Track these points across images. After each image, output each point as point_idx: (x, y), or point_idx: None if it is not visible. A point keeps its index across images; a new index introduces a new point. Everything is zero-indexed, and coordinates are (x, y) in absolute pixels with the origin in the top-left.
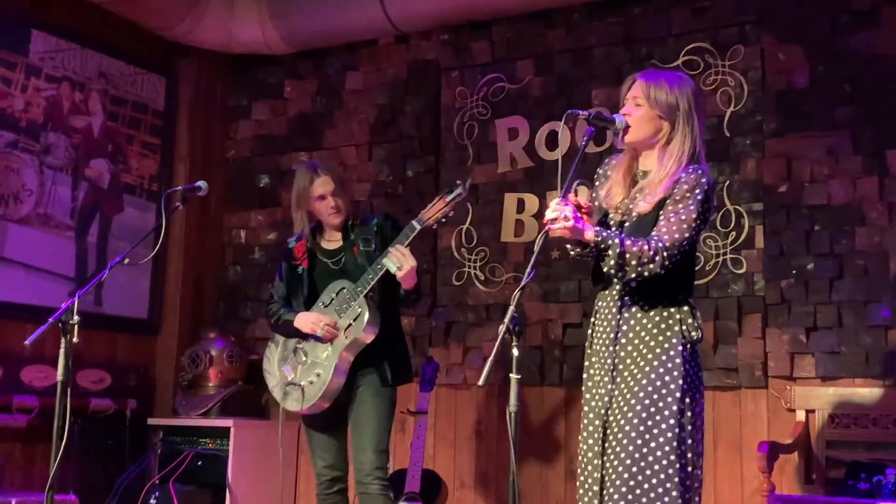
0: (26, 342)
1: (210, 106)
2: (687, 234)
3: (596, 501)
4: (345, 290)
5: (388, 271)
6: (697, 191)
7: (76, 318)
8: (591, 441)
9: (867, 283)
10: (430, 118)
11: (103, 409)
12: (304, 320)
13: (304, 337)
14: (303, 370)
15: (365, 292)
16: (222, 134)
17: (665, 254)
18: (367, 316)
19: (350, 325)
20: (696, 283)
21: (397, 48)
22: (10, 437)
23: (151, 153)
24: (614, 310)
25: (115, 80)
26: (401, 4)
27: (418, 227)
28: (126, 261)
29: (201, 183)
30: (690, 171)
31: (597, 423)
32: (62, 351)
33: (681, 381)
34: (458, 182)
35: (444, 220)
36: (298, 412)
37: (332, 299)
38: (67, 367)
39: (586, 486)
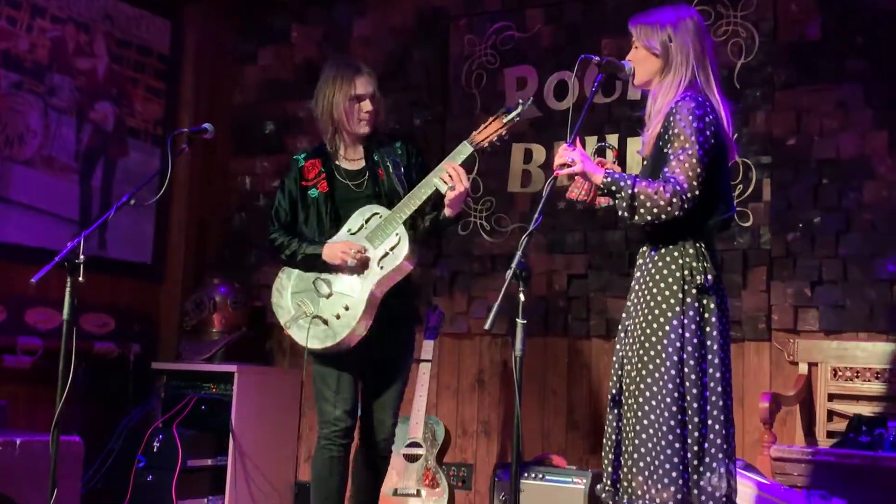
0: (33, 279)
1: (216, 51)
2: (699, 169)
3: (612, 456)
4: (378, 216)
5: (432, 196)
6: (691, 118)
7: (82, 257)
8: (610, 399)
9: (874, 238)
10: (438, 66)
11: (107, 352)
12: (333, 251)
13: (320, 265)
14: (326, 303)
15: (405, 219)
16: (228, 79)
17: (686, 196)
18: (407, 244)
19: (386, 254)
20: None
21: None
22: (15, 378)
23: (156, 97)
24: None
25: (121, 22)
26: None
27: (471, 149)
28: (132, 202)
29: (207, 125)
30: (680, 100)
31: (614, 378)
32: (67, 290)
33: (681, 331)
34: (520, 101)
35: (498, 142)
36: (323, 349)
37: (362, 226)
38: (73, 305)
39: (606, 443)
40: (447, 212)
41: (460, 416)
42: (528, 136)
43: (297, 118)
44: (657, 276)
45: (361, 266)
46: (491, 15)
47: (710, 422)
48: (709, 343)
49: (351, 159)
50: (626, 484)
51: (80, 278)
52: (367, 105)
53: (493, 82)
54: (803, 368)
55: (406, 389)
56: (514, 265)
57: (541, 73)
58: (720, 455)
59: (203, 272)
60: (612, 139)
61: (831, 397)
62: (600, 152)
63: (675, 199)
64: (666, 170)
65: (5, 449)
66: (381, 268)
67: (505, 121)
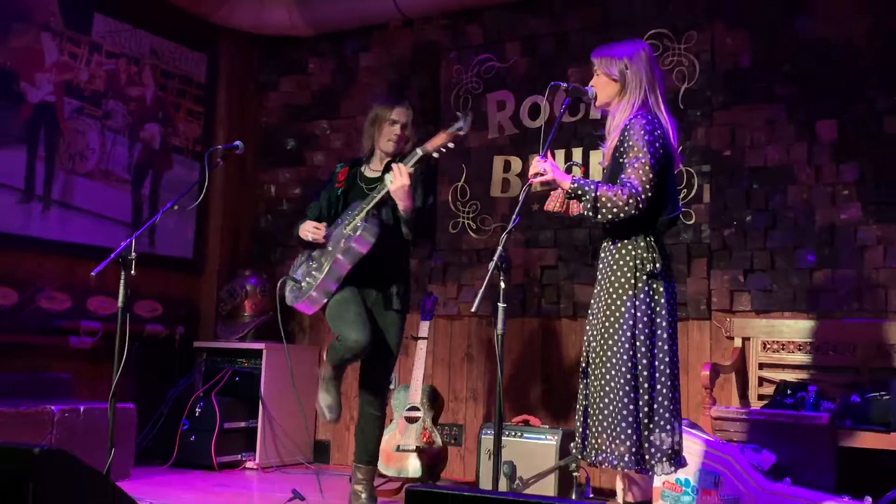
0: (93, 273)
1: (245, 79)
2: (651, 175)
3: (582, 419)
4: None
5: (386, 191)
6: (643, 133)
7: (134, 254)
8: (581, 371)
9: (796, 233)
10: (431, 92)
11: (156, 333)
12: (302, 229)
13: (316, 246)
14: (306, 271)
15: (368, 207)
16: (255, 103)
17: (640, 197)
18: (360, 228)
19: (349, 235)
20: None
21: (404, 31)
22: (79, 356)
23: (195, 119)
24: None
25: (165, 56)
26: None
27: (420, 153)
28: (175, 207)
29: (238, 142)
30: (633, 118)
31: (584, 354)
32: (122, 281)
33: (633, 311)
34: (459, 114)
35: (443, 150)
36: (293, 305)
37: (350, 214)
38: (126, 294)
39: (578, 408)
40: (399, 205)
41: (452, 384)
42: (507, 149)
43: (314, 136)
44: (615, 266)
45: (317, 236)
46: (475, 48)
47: (658, 387)
48: (658, 321)
49: (374, 170)
50: (592, 441)
51: (133, 272)
52: (396, 129)
53: (477, 105)
54: (738, 342)
55: (398, 362)
56: (496, 258)
57: (517, 97)
58: (667, 415)
59: (236, 266)
60: (577, 152)
61: (762, 366)
62: (569, 171)
63: (631, 200)
64: (623, 176)
65: (71, 415)
66: (343, 242)
67: (449, 132)
